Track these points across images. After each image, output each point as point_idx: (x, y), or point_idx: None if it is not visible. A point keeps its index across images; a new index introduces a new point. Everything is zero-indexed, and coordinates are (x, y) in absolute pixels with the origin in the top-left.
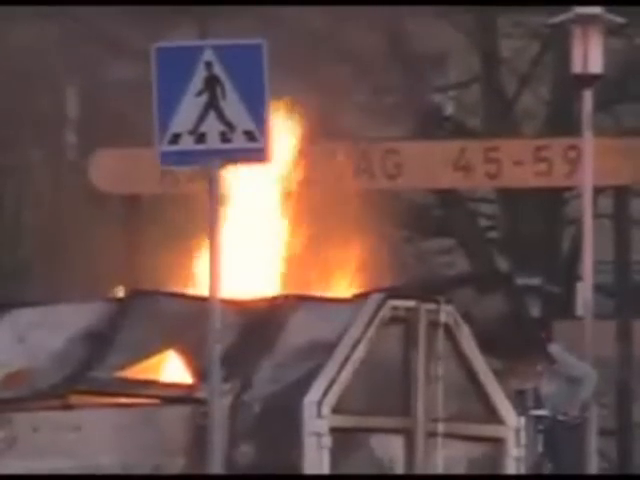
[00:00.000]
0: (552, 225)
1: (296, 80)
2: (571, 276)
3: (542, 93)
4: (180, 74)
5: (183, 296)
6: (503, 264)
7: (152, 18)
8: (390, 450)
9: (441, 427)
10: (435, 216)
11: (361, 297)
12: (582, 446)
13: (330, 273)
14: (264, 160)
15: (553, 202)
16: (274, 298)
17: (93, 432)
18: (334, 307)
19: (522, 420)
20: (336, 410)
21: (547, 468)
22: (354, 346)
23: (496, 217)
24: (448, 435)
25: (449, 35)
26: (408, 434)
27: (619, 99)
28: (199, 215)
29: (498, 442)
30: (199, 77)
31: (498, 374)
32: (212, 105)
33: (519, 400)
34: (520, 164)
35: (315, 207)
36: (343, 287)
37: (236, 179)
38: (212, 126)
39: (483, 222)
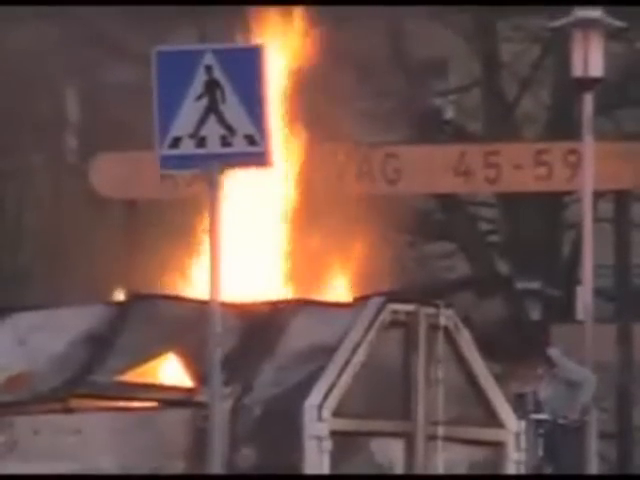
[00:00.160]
0: (552, 229)
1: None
2: (571, 280)
3: (542, 97)
4: (180, 78)
5: (183, 299)
6: (503, 268)
7: (152, 21)
8: (390, 453)
9: (441, 431)
10: (435, 220)
11: (361, 301)
12: (582, 449)
13: (330, 277)
14: (265, 164)
15: (553, 206)
16: (275, 302)
17: (93, 435)
18: (334, 311)
19: (522, 424)
20: (336, 413)
21: (547, 472)
22: (354, 350)
23: (496, 221)
24: (448, 439)
25: (449, 39)
26: (408, 437)
27: (619, 103)
28: (199, 219)
29: (498, 446)
30: (199, 81)
31: (498, 378)
32: (212, 109)
33: (519, 404)
34: (520, 168)
35: (316, 211)
36: (343, 291)
37: (237, 183)
38: (212, 130)
39: (483, 226)
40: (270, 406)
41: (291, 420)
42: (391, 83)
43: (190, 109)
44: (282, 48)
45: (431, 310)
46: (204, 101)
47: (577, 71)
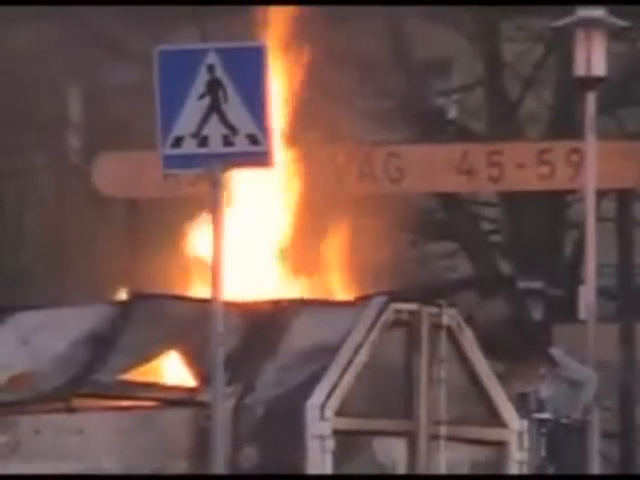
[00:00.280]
0: (555, 228)
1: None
2: (574, 279)
3: (545, 96)
4: (183, 77)
5: (186, 299)
6: (506, 267)
7: (153, 20)
8: (393, 453)
9: (444, 430)
10: (438, 220)
11: (364, 300)
12: (584, 449)
13: (333, 276)
14: (267, 164)
15: (556, 205)
16: (277, 301)
17: (96, 435)
18: (337, 310)
19: (525, 423)
20: (339, 413)
21: (550, 472)
22: (357, 349)
23: (499, 220)
24: (451, 438)
25: (452, 39)
26: (411, 437)
27: (622, 102)
28: (202, 218)
29: (501, 445)
30: (201, 80)
31: (500, 377)
32: (214, 108)
33: (521, 403)
34: (523, 167)
35: (318, 211)
36: (346, 290)
37: (239, 182)
38: (215, 129)
39: (486, 225)
40: (272, 405)
41: (293, 420)
42: (394, 83)
43: (192, 108)
44: (283, 48)
45: (434, 310)
46: (206, 100)
47: (580, 70)
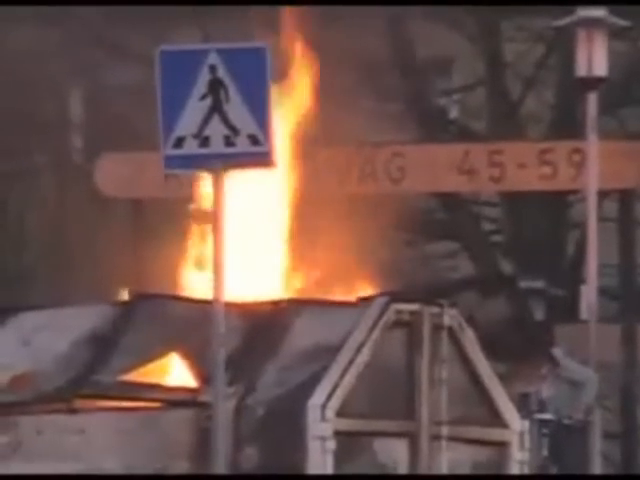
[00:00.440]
0: (556, 228)
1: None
2: (575, 279)
3: (546, 96)
4: (184, 77)
5: (187, 299)
6: (507, 267)
7: (154, 21)
8: (394, 453)
9: (445, 430)
10: (439, 219)
11: (365, 301)
12: (586, 449)
13: (334, 277)
14: (268, 164)
15: (557, 205)
16: (278, 302)
17: (97, 435)
18: (338, 311)
19: (526, 423)
20: (340, 413)
21: (552, 472)
22: (358, 350)
23: (500, 220)
24: (452, 438)
25: (453, 39)
26: (412, 437)
27: (623, 102)
28: (203, 219)
29: (502, 446)
30: (203, 80)
31: (502, 377)
32: (216, 108)
33: (523, 403)
34: (524, 167)
35: (319, 211)
36: (347, 291)
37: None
38: (216, 130)
39: (487, 225)
40: (273, 406)
41: (294, 420)
42: (395, 83)
43: (194, 109)
44: (284, 48)
45: (435, 310)
46: (208, 101)
47: (581, 70)
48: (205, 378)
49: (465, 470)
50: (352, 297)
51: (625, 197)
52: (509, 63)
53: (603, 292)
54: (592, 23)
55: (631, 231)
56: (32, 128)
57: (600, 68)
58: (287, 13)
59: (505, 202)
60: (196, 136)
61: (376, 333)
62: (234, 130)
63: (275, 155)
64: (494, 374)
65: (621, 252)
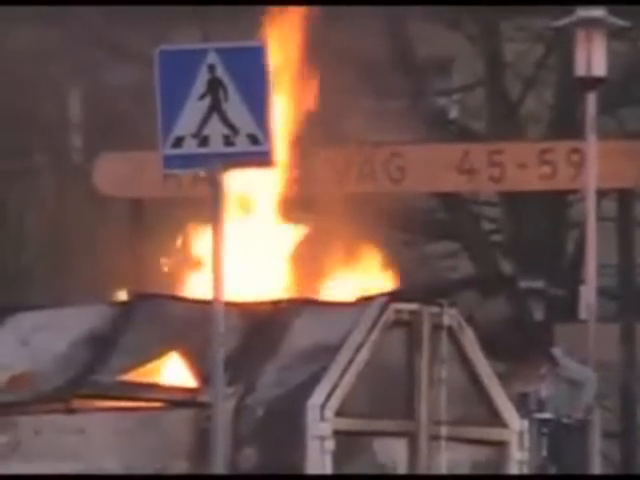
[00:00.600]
0: (556, 228)
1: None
2: (575, 279)
3: (546, 96)
4: (183, 77)
5: (186, 299)
6: (507, 267)
7: (153, 20)
8: (393, 453)
9: (444, 430)
10: (439, 219)
11: (365, 300)
12: (585, 449)
13: (333, 276)
14: (268, 164)
15: (557, 205)
16: (277, 301)
17: (96, 435)
18: (337, 310)
19: (525, 423)
20: (339, 413)
21: (551, 472)
22: (357, 349)
23: (500, 220)
24: (451, 438)
25: (453, 39)
26: (411, 437)
27: (623, 102)
28: (202, 218)
29: (501, 445)
30: (202, 80)
31: (501, 377)
32: (215, 108)
33: (522, 403)
34: (524, 167)
35: (318, 210)
36: (346, 290)
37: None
38: (215, 129)
39: (487, 225)
40: (273, 406)
41: (294, 420)
42: (395, 83)
43: (193, 108)
44: (284, 47)
45: (435, 309)
46: (207, 100)
47: (580, 71)
48: (204, 378)
49: (464, 470)
50: (351, 296)
51: (624, 197)
52: (509, 63)
53: (602, 292)
54: (591, 23)
55: (630, 231)
56: (32, 128)
57: (599, 68)
58: (287, 13)
59: (505, 202)
60: (195, 136)
61: (375, 333)
62: (233, 129)
63: (275, 155)
64: (493, 374)
65: (620, 252)
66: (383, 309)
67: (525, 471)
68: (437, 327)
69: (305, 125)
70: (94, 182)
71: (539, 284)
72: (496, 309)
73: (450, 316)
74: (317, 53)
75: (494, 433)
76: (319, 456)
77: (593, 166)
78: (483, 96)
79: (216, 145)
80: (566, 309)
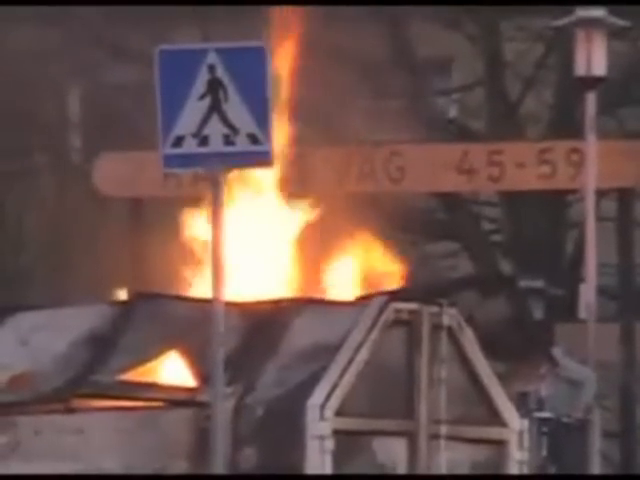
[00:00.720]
0: (555, 228)
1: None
2: (574, 279)
3: (545, 96)
4: (183, 77)
5: (186, 299)
6: (506, 267)
7: (153, 20)
8: (393, 453)
9: (444, 430)
10: (438, 219)
11: (364, 300)
12: (585, 448)
13: (333, 276)
14: (267, 163)
15: (556, 205)
16: (277, 301)
17: (96, 435)
18: (337, 310)
19: (525, 422)
20: (339, 413)
21: (551, 471)
22: (357, 349)
23: (499, 220)
24: (451, 438)
25: (453, 39)
26: (411, 437)
27: (622, 102)
28: (202, 218)
29: (501, 445)
30: (202, 80)
31: (501, 377)
32: (215, 108)
33: (522, 402)
34: (523, 167)
35: (318, 210)
36: (346, 290)
37: (239, 182)
38: (215, 129)
39: (486, 225)
40: (272, 406)
41: (293, 420)
42: (394, 82)
43: (193, 108)
44: (284, 47)
45: (434, 309)
46: (207, 100)
47: (580, 70)
48: (204, 378)
49: (464, 469)
50: (351, 296)
51: (624, 196)
52: (508, 63)
53: (602, 291)
54: (591, 23)
55: (630, 230)
56: (31, 128)
57: (599, 68)
58: (287, 13)
59: (504, 202)
60: (195, 135)
61: (375, 332)
62: (233, 129)
63: (274, 154)
64: (493, 373)
65: (620, 251)
66: (383, 309)
67: (525, 471)
68: (437, 327)
69: (304, 125)
70: (94, 182)
71: (539, 284)
72: (496, 309)
73: (450, 316)
74: (317, 53)
75: (494, 432)
76: (319, 456)
77: (593, 166)
78: (483, 96)
79: (216, 145)
80: (566, 309)
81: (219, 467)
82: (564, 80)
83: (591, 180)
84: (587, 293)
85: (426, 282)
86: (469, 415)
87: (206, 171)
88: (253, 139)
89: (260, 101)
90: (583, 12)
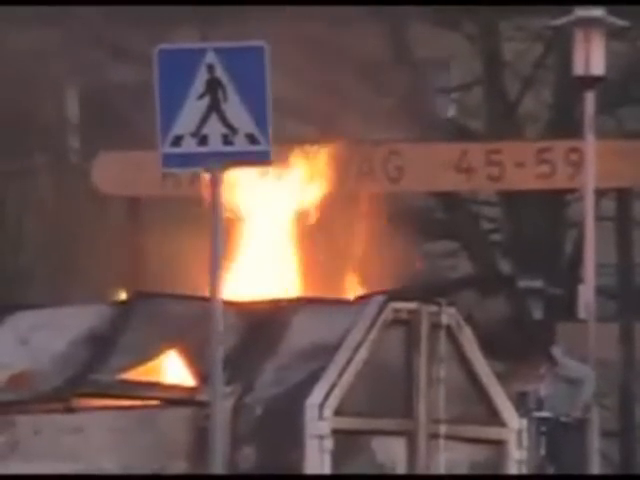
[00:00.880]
0: (554, 227)
1: (298, 83)
2: (573, 278)
3: (544, 95)
4: (182, 76)
5: (185, 298)
6: (505, 266)
7: (153, 20)
8: (392, 452)
9: (443, 429)
10: (437, 219)
11: (363, 299)
12: (584, 448)
13: (332, 275)
14: (266, 163)
15: (555, 204)
16: (276, 300)
17: (95, 434)
18: (336, 309)
19: (524, 422)
20: (338, 412)
21: (549, 471)
22: (356, 348)
23: (498, 220)
24: (450, 437)
25: (452, 38)
26: (410, 436)
27: (621, 101)
28: (201, 217)
29: (500, 444)
30: (201, 79)
31: (500, 376)
32: (214, 107)
33: (521, 402)
34: (522, 166)
35: (317, 210)
36: (345, 289)
37: (239, 182)
38: (214, 128)
39: (485, 225)
40: (271, 405)
41: (292, 419)
42: (393, 81)
43: (192, 108)
44: (283, 47)
45: (433, 309)
46: (206, 100)
47: (579, 70)
48: (203, 377)
49: (463, 469)
50: (350, 296)
51: (622, 196)
52: (507, 62)
53: (601, 291)
54: (590, 23)
55: (628, 230)
56: (30, 128)
57: (598, 67)
58: (286, 13)
59: (503, 201)
60: (194, 135)
61: (374, 332)
62: (232, 129)
63: (272, 154)
64: (492, 373)
65: (619, 251)
66: (382, 308)
67: (524, 470)
68: (436, 326)
69: (302, 124)
70: (93, 181)
71: (538, 283)
72: (495, 308)
73: (449, 315)
74: (316, 52)
75: (493, 432)
76: (318, 455)
77: (591, 165)
78: (482, 95)
79: (215, 144)
80: (565, 308)
81: (218, 466)
82: (563, 80)
83: (590, 180)
84: (586, 293)
85: (425, 281)
86: (468, 414)
87: (205, 171)
88: (252, 139)
89: (259, 101)
90: (582, 12)
